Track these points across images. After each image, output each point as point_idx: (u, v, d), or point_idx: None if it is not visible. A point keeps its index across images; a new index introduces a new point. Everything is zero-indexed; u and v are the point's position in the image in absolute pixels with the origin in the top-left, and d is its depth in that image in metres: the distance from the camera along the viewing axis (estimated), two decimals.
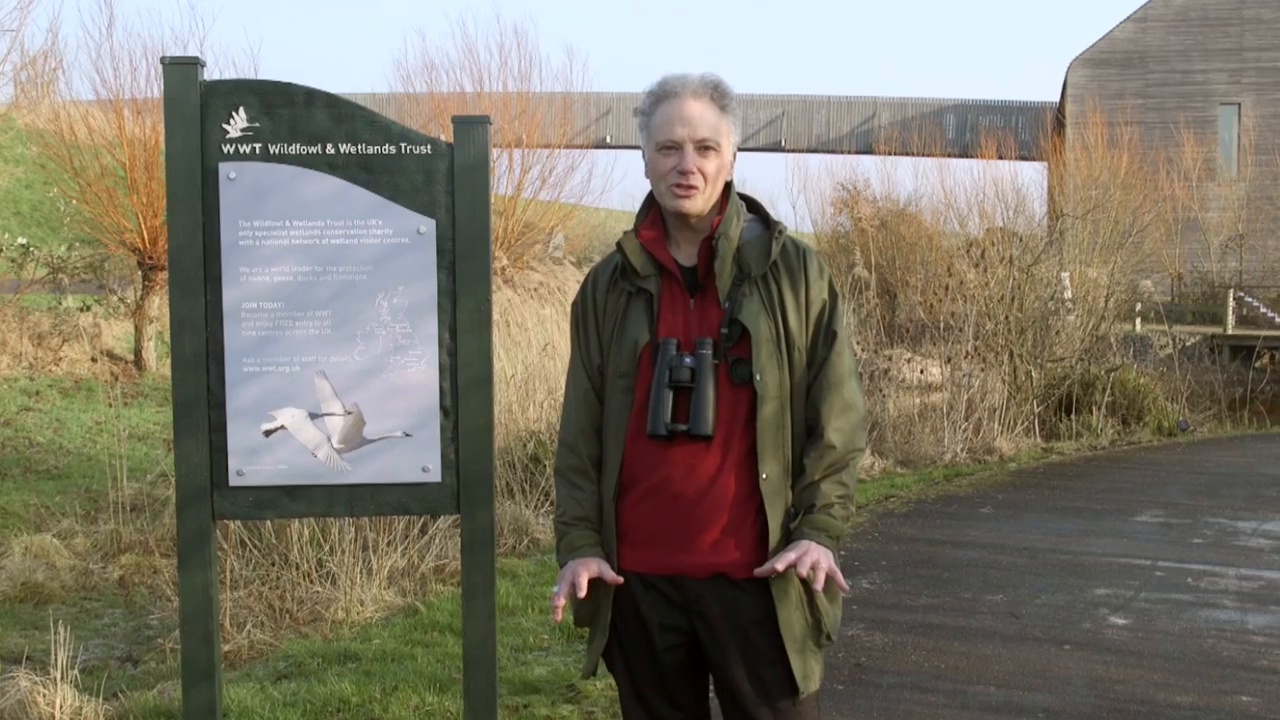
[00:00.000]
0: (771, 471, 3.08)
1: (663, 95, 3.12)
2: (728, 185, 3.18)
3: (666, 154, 3.09)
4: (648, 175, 3.18)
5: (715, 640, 3.13)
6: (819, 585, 2.98)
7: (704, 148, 3.08)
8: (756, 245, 3.15)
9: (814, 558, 2.97)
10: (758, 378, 3.06)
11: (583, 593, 3.10)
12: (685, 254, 3.17)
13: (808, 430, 3.15)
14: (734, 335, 3.08)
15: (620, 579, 3.13)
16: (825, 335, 3.17)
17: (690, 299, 3.14)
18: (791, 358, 3.12)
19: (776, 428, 3.09)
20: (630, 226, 3.25)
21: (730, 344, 3.08)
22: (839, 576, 3.04)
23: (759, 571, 3.03)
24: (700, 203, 3.10)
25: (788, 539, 3.08)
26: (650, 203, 3.23)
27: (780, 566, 2.98)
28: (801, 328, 3.13)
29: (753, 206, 3.26)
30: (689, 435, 3.05)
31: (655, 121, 3.12)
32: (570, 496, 3.23)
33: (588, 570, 3.11)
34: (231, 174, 3.70)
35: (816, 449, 3.11)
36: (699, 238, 3.16)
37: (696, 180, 3.07)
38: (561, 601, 3.11)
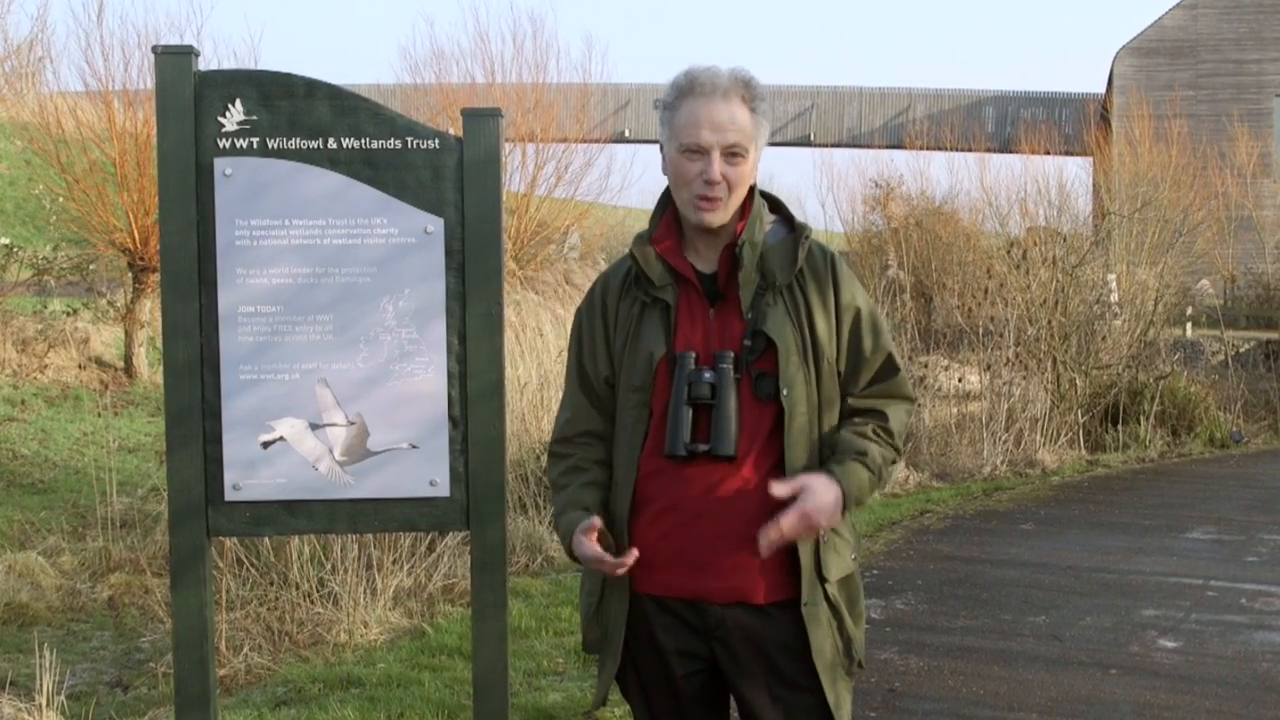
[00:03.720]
0: None
1: (689, 91, 3.04)
2: (750, 186, 3.13)
3: (691, 159, 3.03)
4: (665, 173, 3.13)
5: (738, 668, 3.10)
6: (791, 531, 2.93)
7: (732, 154, 3.03)
8: (781, 251, 3.10)
9: (814, 506, 2.92)
10: (785, 392, 3.02)
11: (592, 549, 3.01)
12: (704, 260, 3.13)
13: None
14: (758, 348, 3.04)
15: (617, 572, 3.02)
16: (876, 353, 3.14)
17: (710, 308, 3.10)
18: (819, 369, 3.08)
19: (806, 444, 3.06)
20: (645, 227, 3.21)
21: (754, 357, 3.04)
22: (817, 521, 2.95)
23: (762, 548, 2.94)
24: (723, 214, 3.06)
25: (817, 562, 3.05)
26: (665, 204, 3.19)
27: (784, 491, 2.93)
28: (830, 337, 3.10)
29: (775, 206, 3.21)
30: (710, 456, 3.01)
31: (680, 120, 3.05)
32: (568, 499, 3.16)
33: (592, 531, 3.01)
34: (227, 170, 3.71)
35: (879, 421, 3.11)
36: (720, 243, 3.11)
37: (721, 191, 3.02)
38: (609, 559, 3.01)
